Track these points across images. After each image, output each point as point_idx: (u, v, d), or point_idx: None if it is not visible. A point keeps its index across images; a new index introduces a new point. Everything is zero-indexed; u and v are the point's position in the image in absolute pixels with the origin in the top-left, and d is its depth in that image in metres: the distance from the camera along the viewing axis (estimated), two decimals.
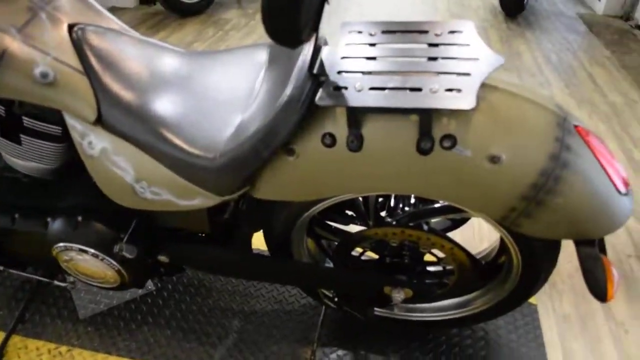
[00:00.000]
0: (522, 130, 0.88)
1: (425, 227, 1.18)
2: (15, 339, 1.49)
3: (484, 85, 0.92)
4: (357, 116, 0.89)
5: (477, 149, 0.88)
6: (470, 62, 0.92)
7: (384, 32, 1.02)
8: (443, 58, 0.94)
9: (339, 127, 0.92)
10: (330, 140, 0.92)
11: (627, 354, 1.49)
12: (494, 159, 0.88)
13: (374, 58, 0.96)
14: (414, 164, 0.91)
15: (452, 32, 1.00)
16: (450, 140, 0.88)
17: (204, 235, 1.27)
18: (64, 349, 1.46)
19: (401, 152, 0.91)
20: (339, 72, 0.93)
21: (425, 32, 1.01)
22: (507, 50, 3.52)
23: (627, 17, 4.05)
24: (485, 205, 0.94)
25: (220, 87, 1.06)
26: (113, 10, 4.37)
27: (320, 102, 0.87)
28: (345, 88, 0.89)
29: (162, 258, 1.26)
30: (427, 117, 0.87)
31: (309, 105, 0.90)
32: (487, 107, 0.90)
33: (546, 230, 0.94)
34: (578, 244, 1.00)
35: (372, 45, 1.00)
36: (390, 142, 0.91)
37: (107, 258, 1.20)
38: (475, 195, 0.93)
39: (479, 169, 0.89)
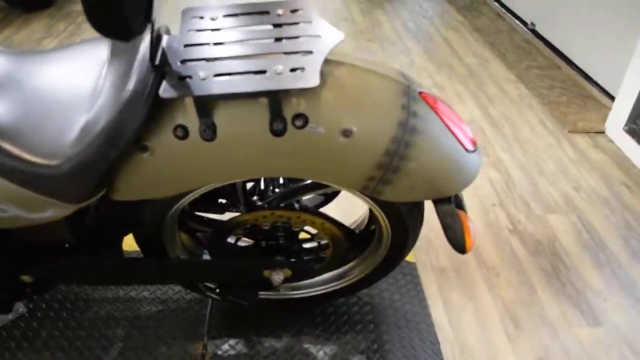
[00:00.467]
0: (369, 102, 0.92)
1: (297, 206, 1.20)
2: None
3: (328, 62, 0.94)
4: (206, 105, 0.88)
5: (329, 125, 0.91)
6: (312, 40, 0.94)
7: (226, 15, 1.01)
8: (287, 38, 0.95)
9: (189, 118, 0.90)
10: (182, 133, 0.90)
11: (500, 296, 1.63)
12: (347, 133, 0.91)
13: (218, 44, 0.95)
14: (270, 146, 0.92)
15: (293, 10, 1.01)
16: (302, 119, 0.90)
17: (68, 246, 1.19)
18: None
19: (255, 136, 0.91)
20: (183, 62, 0.90)
21: (267, 12, 1.01)
22: (369, 21, 3.65)
23: None
24: (345, 178, 0.97)
25: (59, 87, 0.98)
26: None
27: (165, 95, 0.84)
28: (190, 77, 0.86)
29: (26, 278, 1.17)
30: (275, 98, 0.87)
31: (154, 98, 0.87)
32: (334, 83, 0.92)
33: (406, 194, 1.00)
34: (436, 202, 1.08)
35: (216, 30, 0.98)
36: (243, 127, 0.90)
37: None
38: (335, 169, 0.96)
39: (333, 144, 0.92)
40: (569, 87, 2.84)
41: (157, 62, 0.88)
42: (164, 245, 1.20)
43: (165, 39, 0.95)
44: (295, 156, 0.93)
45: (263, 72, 0.87)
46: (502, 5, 3.89)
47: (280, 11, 1.00)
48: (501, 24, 3.66)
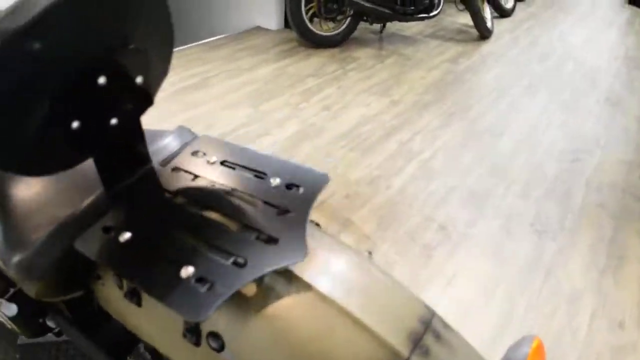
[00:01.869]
0: None
1: None
2: None
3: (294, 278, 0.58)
4: None
5: None
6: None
7: (223, 162, 0.76)
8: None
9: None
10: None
11: None
12: None
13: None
14: (186, 348, 0.64)
15: (289, 187, 0.68)
16: (218, 342, 0.59)
17: None
18: None
19: (175, 324, 0.63)
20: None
21: (263, 177, 0.71)
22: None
23: None
24: None
25: None
26: (257, 30, 4.49)
27: (79, 247, 0.64)
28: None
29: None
30: None
31: None
32: (279, 316, 0.56)
33: None
34: None
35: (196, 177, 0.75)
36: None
37: None
38: None
39: None
40: None
41: None
42: None
43: None
44: None
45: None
46: None
47: (277, 181, 0.71)
48: None
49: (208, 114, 2.93)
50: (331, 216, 2.03)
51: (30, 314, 0.94)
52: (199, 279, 0.55)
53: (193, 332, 0.60)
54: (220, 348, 0.59)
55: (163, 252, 0.59)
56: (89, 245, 0.63)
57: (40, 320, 0.99)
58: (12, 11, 0.50)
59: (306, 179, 0.67)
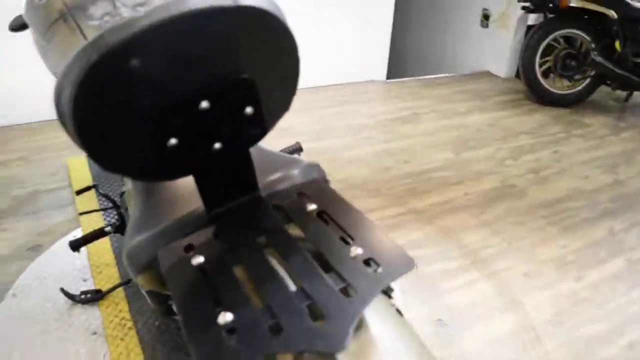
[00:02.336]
0: None
1: None
2: None
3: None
4: None
5: None
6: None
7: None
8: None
9: None
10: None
11: None
12: None
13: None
14: None
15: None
16: None
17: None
18: None
19: None
20: None
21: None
22: None
23: None
24: None
25: None
26: (484, 75, 4.34)
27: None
28: None
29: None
30: None
31: None
32: None
33: None
34: None
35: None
36: None
37: None
38: None
39: None
40: None
41: None
42: None
43: None
44: None
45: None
46: None
47: (358, 252, 0.60)
48: None
49: (408, 148, 2.90)
50: (500, 292, 1.82)
51: (155, 295, 1.02)
52: (231, 329, 0.53)
53: None
54: None
55: (217, 286, 0.59)
56: (167, 257, 0.65)
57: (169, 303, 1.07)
58: (117, 27, 0.52)
59: (390, 260, 0.60)
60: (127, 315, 1.56)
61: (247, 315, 0.54)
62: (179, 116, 0.59)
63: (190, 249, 0.65)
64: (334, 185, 0.79)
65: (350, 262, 0.60)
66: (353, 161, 2.75)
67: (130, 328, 1.51)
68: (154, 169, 0.63)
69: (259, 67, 0.63)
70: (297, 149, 1.53)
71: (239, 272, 0.61)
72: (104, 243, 1.88)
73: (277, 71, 0.65)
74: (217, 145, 0.64)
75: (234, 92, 0.62)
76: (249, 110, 0.64)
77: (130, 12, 0.77)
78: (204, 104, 0.60)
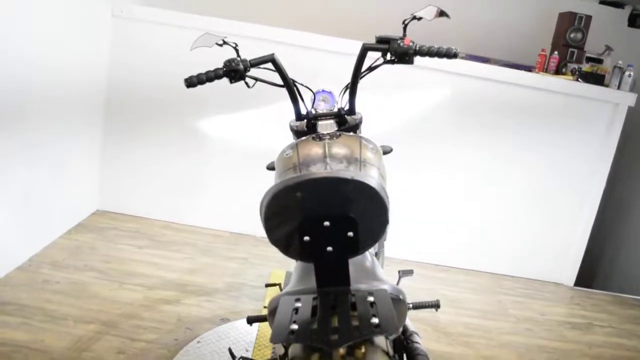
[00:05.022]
0: None
1: None
2: None
3: None
4: None
5: None
6: None
7: None
8: None
9: None
10: None
11: None
12: None
13: None
14: None
15: None
16: None
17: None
18: None
19: None
20: None
21: None
22: None
23: None
24: None
25: None
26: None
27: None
28: None
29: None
30: None
31: None
32: None
33: None
34: None
35: None
36: None
37: None
38: None
39: None
40: None
41: None
42: None
43: None
44: None
45: None
46: None
47: None
48: None
49: (563, 351, 2.93)
50: None
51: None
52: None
53: None
54: None
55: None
56: (277, 299, 1.15)
57: None
58: (296, 177, 1.10)
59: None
60: None
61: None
62: (312, 225, 1.13)
63: (297, 300, 1.15)
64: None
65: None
66: (506, 343, 2.93)
67: None
68: (296, 253, 1.17)
69: (360, 213, 1.14)
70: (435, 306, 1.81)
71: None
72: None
73: (371, 219, 1.15)
74: (329, 248, 1.15)
75: (343, 221, 1.14)
76: (350, 234, 1.14)
77: (327, 170, 1.33)
78: (326, 223, 1.13)
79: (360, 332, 0.98)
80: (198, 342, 2.28)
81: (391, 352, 1.10)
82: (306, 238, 1.13)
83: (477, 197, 3.86)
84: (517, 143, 3.77)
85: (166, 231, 3.70)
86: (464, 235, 3.91)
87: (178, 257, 3.30)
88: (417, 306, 1.42)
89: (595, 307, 3.68)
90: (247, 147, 3.64)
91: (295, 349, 1.07)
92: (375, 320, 1.01)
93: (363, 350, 1.00)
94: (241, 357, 2.26)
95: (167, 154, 3.75)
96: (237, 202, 3.76)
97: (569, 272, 3.99)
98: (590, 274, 4.79)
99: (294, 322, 1.03)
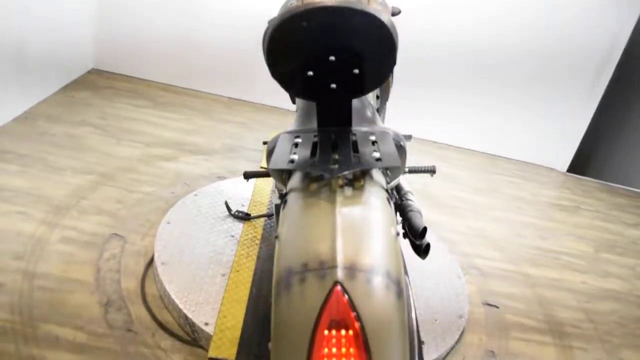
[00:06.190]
0: None
1: None
2: None
3: None
4: None
5: None
6: None
7: None
8: None
9: None
10: None
11: None
12: None
13: None
14: None
15: None
16: None
17: None
18: None
19: None
20: None
21: None
22: None
23: None
24: None
25: None
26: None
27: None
28: None
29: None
30: None
31: None
32: None
33: None
34: None
35: None
36: None
37: None
38: None
39: None
40: None
41: None
42: None
43: None
44: None
45: None
46: None
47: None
48: None
49: (550, 229, 3.03)
50: None
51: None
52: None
53: None
54: None
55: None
56: (276, 138, 1.14)
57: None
58: (300, 6, 1.01)
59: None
60: (258, 237, 2.11)
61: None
62: (317, 59, 1.08)
63: (297, 137, 1.13)
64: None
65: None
66: (496, 218, 3.01)
67: (256, 244, 2.05)
68: (298, 89, 1.13)
69: (368, 49, 1.08)
70: None
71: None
72: (268, 187, 2.49)
73: (379, 57, 1.09)
74: (333, 85, 1.10)
75: (350, 57, 1.08)
76: (355, 71, 1.09)
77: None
78: (332, 57, 1.06)
79: (361, 163, 0.98)
80: (195, 194, 2.32)
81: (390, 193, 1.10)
82: (310, 73, 1.08)
83: (481, 78, 3.78)
84: (525, 25, 3.63)
85: (164, 93, 3.63)
86: (463, 115, 3.89)
87: (176, 118, 3.27)
88: (413, 170, 1.40)
89: (585, 192, 3.76)
90: (247, 8, 3.47)
91: (294, 181, 1.07)
92: (376, 154, 1.00)
93: (362, 182, 0.99)
94: (237, 211, 2.33)
95: (166, 15, 3.58)
96: (236, 67, 3.67)
97: (564, 158, 4.03)
98: (585, 162, 4.84)
99: (294, 153, 1.02)
